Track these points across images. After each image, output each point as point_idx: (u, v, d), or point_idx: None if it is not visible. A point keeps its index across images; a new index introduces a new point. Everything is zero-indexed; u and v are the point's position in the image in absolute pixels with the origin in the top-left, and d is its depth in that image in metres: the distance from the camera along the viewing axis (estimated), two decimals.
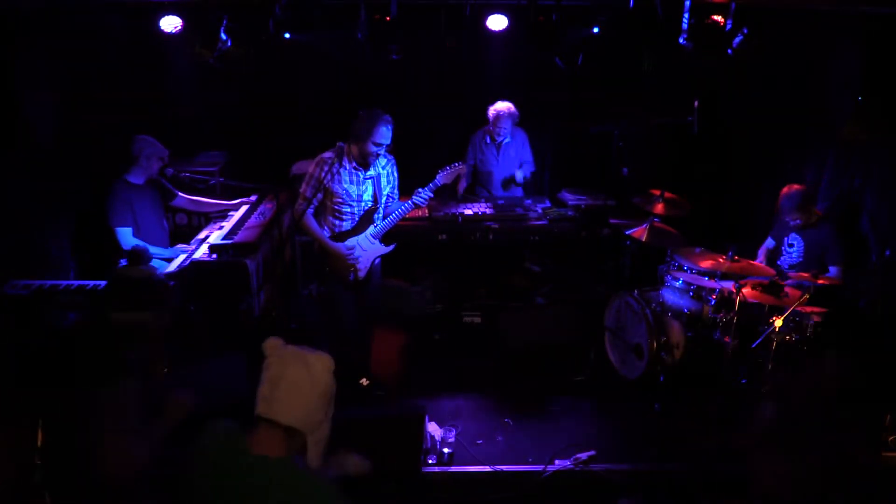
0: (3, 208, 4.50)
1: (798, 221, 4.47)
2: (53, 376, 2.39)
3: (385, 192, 4.28)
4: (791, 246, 4.64)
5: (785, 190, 4.48)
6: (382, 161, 4.21)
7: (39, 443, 2.28)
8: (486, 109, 5.60)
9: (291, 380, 1.81)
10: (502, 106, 5.50)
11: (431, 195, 4.24)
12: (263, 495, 1.76)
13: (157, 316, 2.63)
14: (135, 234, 4.55)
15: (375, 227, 4.28)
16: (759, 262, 4.76)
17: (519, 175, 5.70)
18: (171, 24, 4.70)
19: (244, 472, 1.78)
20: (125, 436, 2.42)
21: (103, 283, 4.15)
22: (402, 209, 4.24)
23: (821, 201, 5.08)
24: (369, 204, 4.24)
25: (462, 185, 5.81)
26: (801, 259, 4.57)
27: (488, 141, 5.70)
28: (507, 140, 5.66)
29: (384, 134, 3.99)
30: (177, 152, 5.67)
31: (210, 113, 6.14)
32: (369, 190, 4.21)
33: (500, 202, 5.54)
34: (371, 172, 4.17)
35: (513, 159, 5.76)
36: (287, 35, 5.04)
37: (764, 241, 4.88)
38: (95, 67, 5.23)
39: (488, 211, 5.31)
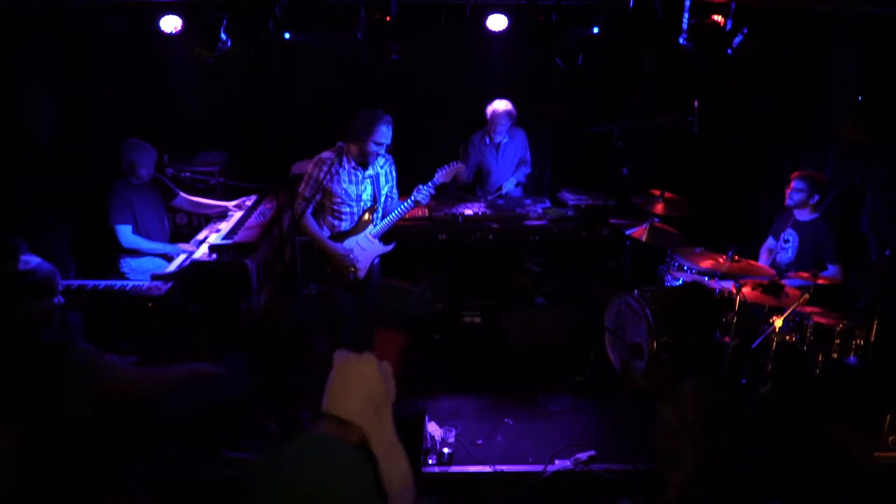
0: (2, 208, 4.49)
1: (804, 196, 4.49)
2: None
3: (384, 192, 4.29)
4: (787, 242, 4.65)
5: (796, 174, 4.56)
6: (381, 160, 4.22)
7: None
8: (486, 108, 5.60)
9: (345, 375, 2.06)
10: (499, 105, 5.48)
11: (433, 192, 4.24)
12: (329, 471, 1.92)
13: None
14: (135, 232, 4.56)
15: (375, 226, 4.28)
16: (762, 261, 4.76)
17: (510, 183, 5.69)
18: (171, 24, 4.71)
19: (314, 450, 1.97)
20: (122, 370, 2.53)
21: (103, 283, 4.16)
22: (401, 208, 4.24)
23: None
24: (368, 203, 4.25)
25: (465, 176, 5.73)
26: (794, 255, 4.57)
27: (487, 141, 5.69)
28: (505, 140, 5.66)
29: (384, 133, 3.99)
30: (177, 152, 5.69)
31: (210, 113, 6.14)
32: (368, 189, 4.21)
33: (500, 202, 5.54)
34: (370, 172, 4.18)
35: (512, 159, 5.76)
36: (287, 35, 5.03)
37: (765, 241, 4.89)
38: (96, 68, 5.22)
39: (488, 211, 5.31)
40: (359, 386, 2.04)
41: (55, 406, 2.34)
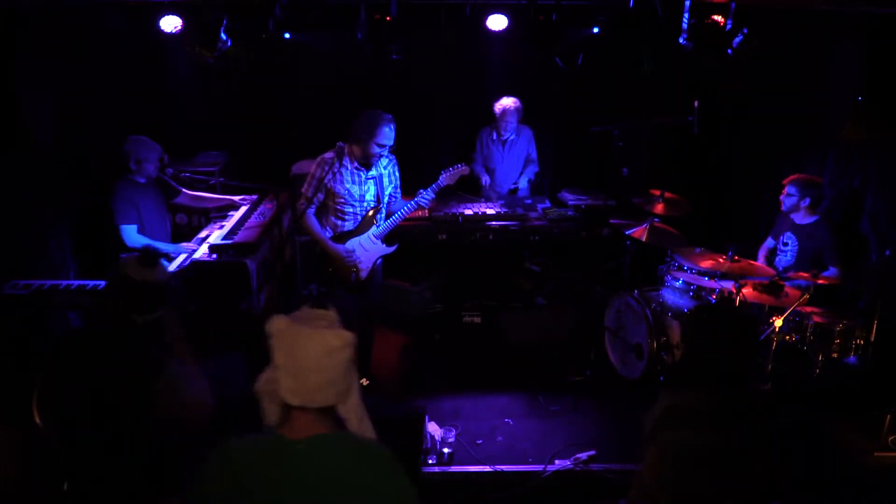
0: (2, 208, 4.49)
1: (796, 199, 4.48)
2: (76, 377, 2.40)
3: (387, 192, 4.28)
4: (786, 245, 4.65)
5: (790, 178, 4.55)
6: (384, 161, 4.21)
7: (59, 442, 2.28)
8: (487, 108, 5.60)
9: (313, 364, 1.70)
10: (508, 101, 5.52)
11: (433, 196, 4.24)
12: (335, 470, 1.69)
13: (171, 314, 2.65)
14: (139, 232, 4.56)
15: (378, 227, 4.29)
16: (760, 262, 4.76)
17: (523, 181, 5.74)
18: (171, 24, 4.71)
19: (302, 458, 1.69)
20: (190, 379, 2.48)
21: (104, 283, 4.15)
22: (404, 209, 4.24)
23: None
24: (372, 204, 4.24)
25: (485, 180, 5.78)
26: (794, 259, 4.57)
27: (494, 137, 5.70)
28: (512, 137, 5.67)
29: (387, 135, 3.99)
30: (177, 152, 5.68)
31: (210, 113, 6.14)
32: (371, 190, 4.21)
33: (500, 202, 5.54)
34: (373, 173, 4.17)
35: (518, 157, 5.77)
36: (287, 35, 5.04)
37: (764, 241, 4.89)
38: (96, 67, 5.22)
39: (488, 211, 5.31)
40: (329, 364, 1.72)
41: (133, 417, 2.35)
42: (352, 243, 4.24)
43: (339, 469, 1.70)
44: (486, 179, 5.76)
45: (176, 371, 2.49)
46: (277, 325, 1.73)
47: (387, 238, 4.34)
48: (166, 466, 2.49)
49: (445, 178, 4.27)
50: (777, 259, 4.72)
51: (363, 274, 4.30)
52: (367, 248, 4.29)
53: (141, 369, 2.41)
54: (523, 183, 5.79)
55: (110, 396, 2.35)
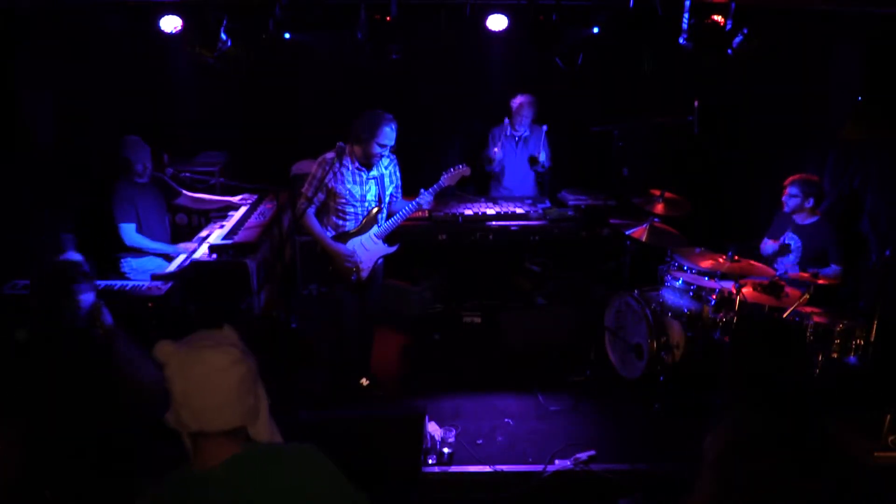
0: (2, 208, 4.49)
1: (800, 200, 4.48)
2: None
3: (388, 192, 4.28)
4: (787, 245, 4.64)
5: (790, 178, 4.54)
6: (385, 161, 4.21)
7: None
8: (487, 108, 5.62)
9: (201, 386, 1.63)
10: (524, 97, 5.54)
11: (433, 196, 4.24)
12: (260, 485, 1.64)
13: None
14: (138, 231, 4.56)
15: (379, 227, 4.29)
16: (770, 249, 4.72)
17: (543, 156, 5.61)
18: (171, 24, 4.71)
19: (223, 485, 1.63)
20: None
21: (103, 283, 4.15)
22: (406, 210, 4.24)
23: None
24: (373, 204, 4.24)
25: (497, 157, 5.69)
26: (797, 259, 4.57)
27: (509, 133, 5.70)
28: (527, 134, 5.67)
29: (388, 135, 3.99)
30: (177, 152, 5.68)
31: (210, 113, 6.14)
32: (373, 190, 4.21)
33: (500, 202, 5.54)
34: (374, 173, 4.17)
35: (531, 155, 5.77)
36: (287, 35, 5.03)
37: (761, 242, 4.87)
38: (96, 68, 5.22)
39: (488, 211, 5.31)
40: (225, 386, 1.65)
41: (90, 396, 2.35)
42: (353, 243, 4.24)
43: (265, 482, 1.64)
44: (497, 155, 5.62)
45: (129, 346, 2.50)
46: (162, 351, 1.66)
47: (388, 238, 4.33)
48: (138, 451, 2.50)
49: (447, 179, 4.27)
50: (778, 260, 4.71)
51: (364, 274, 4.30)
52: (369, 248, 4.29)
53: (88, 358, 2.42)
54: (543, 157, 5.61)
55: (68, 392, 2.35)
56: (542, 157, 5.64)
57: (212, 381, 1.63)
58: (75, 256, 2.65)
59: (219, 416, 1.65)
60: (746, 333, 2.29)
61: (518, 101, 5.55)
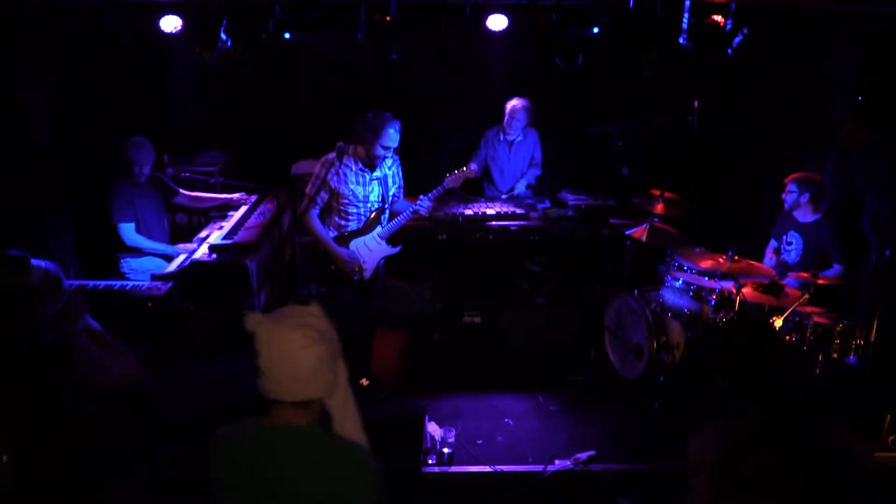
0: (2, 208, 4.49)
1: (796, 195, 4.50)
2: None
3: (391, 193, 4.29)
4: (790, 244, 4.65)
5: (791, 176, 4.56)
6: (388, 161, 4.22)
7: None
8: (487, 108, 5.61)
9: (281, 358, 1.76)
10: (518, 101, 5.53)
11: (435, 199, 4.24)
12: (297, 462, 1.78)
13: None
14: (137, 231, 4.56)
15: (383, 227, 4.29)
16: (766, 262, 4.75)
17: (521, 186, 5.73)
18: (171, 24, 4.70)
19: (272, 445, 1.81)
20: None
21: (103, 283, 4.16)
22: (409, 211, 4.24)
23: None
24: (376, 205, 4.24)
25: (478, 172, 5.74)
26: (799, 258, 4.58)
27: (501, 138, 5.70)
28: (519, 138, 5.67)
29: (392, 137, 3.98)
30: (177, 152, 5.68)
31: (210, 113, 6.13)
32: (376, 191, 4.21)
33: (501, 202, 5.54)
34: (378, 174, 4.18)
35: (523, 159, 5.78)
36: (287, 35, 5.03)
37: (768, 243, 4.88)
38: (95, 68, 5.22)
39: (488, 211, 5.31)
40: (302, 361, 1.76)
41: (57, 403, 2.34)
42: (356, 244, 4.25)
43: (300, 460, 1.79)
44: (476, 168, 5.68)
45: (85, 349, 2.49)
46: (251, 322, 1.80)
47: (391, 238, 4.34)
48: (117, 452, 2.50)
49: (450, 181, 4.27)
50: (781, 259, 4.71)
51: (367, 274, 4.31)
52: (372, 249, 4.29)
53: (39, 353, 2.41)
54: (521, 187, 5.76)
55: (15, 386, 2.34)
56: (521, 185, 5.73)
57: (292, 358, 1.76)
58: (37, 271, 2.58)
59: (296, 388, 1.78)
60: (719, 335, 2.30)
61: (511, 105, 5.54)
